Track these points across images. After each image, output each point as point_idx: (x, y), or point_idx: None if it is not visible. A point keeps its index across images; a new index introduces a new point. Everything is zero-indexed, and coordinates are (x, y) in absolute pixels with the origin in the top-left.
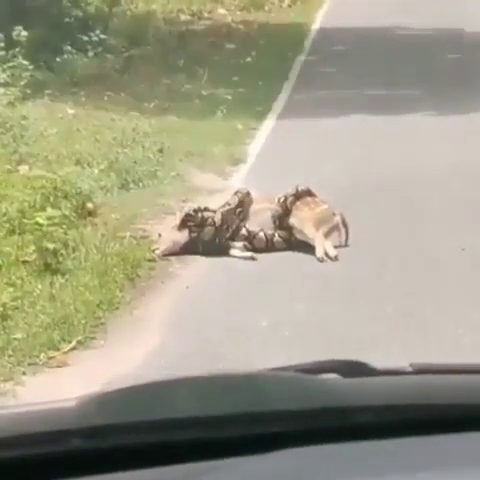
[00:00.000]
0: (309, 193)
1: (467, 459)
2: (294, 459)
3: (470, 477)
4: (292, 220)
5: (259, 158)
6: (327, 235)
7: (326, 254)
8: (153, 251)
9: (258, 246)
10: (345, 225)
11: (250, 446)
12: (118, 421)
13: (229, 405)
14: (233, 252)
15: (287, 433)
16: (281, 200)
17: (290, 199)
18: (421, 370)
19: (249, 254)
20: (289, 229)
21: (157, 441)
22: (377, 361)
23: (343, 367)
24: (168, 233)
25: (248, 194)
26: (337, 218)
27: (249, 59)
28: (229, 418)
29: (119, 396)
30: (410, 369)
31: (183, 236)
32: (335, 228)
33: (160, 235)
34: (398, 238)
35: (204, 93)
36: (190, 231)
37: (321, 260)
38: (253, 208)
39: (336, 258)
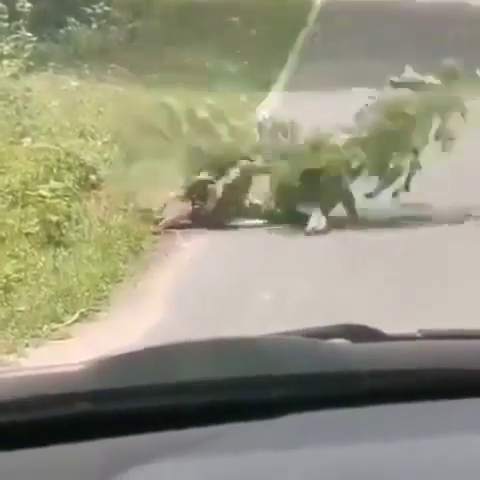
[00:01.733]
0: None
1: (475, 424)
2: (300, 424)
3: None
4: None
5: (263, 130)
6: None
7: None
8: (157, 223)
9: (261, 218)
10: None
11: (255, 411)
12: (126, 384)
13: (234, 369)
14: (236, 224)
15: (293, 398)
16: None
17: None
18: (430, 335)
19: (253, 224)
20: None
21: (164, 405)
22: None
23: (351, 332)
24: (172, 205)
25: (251, 165)
26: None
27: (254, 31)
28: (234, 382)
29: (127, 359)
30: (419, 334)
31: (187, 208)
32: None
33: (164, 207)
34: None
35: (209, 65)
36: (194, 203)
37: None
38: (256, 179)
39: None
